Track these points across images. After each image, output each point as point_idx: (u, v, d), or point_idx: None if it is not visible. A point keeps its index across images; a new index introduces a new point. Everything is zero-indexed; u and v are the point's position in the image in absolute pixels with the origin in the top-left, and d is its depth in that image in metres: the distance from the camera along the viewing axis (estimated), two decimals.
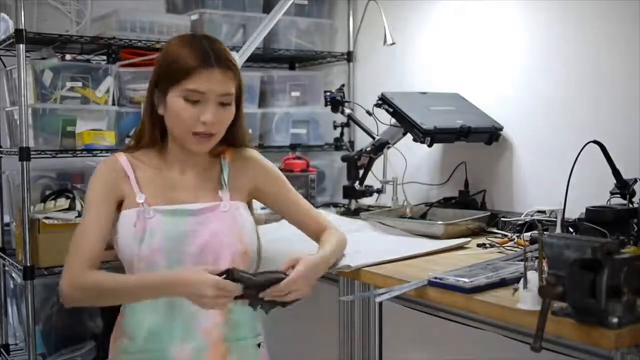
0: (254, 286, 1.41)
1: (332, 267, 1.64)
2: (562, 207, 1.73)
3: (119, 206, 1.54)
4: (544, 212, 1.98)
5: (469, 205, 2.30)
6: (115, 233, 1.52)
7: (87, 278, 1.44)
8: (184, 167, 1.58)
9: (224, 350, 1.51)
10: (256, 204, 1.75)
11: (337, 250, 1.65)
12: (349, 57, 3.03)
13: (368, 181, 2.50)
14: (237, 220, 1.55)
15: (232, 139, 1.61)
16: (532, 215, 2.00)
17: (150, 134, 1.57)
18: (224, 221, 1.53)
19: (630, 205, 1.71)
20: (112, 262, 1.60)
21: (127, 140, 2.45)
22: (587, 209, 1.70)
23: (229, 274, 1.37)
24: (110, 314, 1.57)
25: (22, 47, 2.25)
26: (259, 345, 1.60)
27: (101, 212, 1.50)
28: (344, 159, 2.55)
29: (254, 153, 1.68)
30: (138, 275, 1.46)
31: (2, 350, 2.81)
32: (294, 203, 1.70)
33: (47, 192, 2.46)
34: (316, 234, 1.68)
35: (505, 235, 1.99)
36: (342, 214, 2.46)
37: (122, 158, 1.56)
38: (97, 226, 1.49)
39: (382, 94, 2.31)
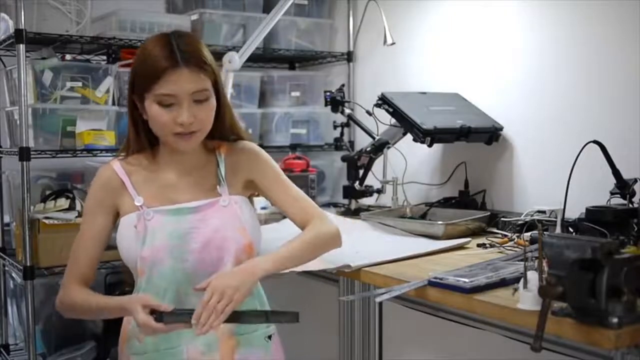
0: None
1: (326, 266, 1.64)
2: (562, 207, 1.73)
3: (118, 215, 1.55)
4: (544, 212, 1.98)
5: (469, 205, 2.30)
6: (117, 237, 1.54)
7: (68, 296, 1.53)
8: (179, 168, 1.57)
9: (233, 344, 1.52)
10: (256, 205, 1.75)
11: (303, 249, 1.55)
12: (349, 57, 3.03)
13: (368, 181, 2.50)
14: (237, 214, 1.54)
15: (222, 132, 1.60)
16: (532, 215, 2.00)
17: (136, 139, 1.56)
18: (225, 216, 1.53)
19: (630, 205, 1.71)
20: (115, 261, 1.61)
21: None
22: (587, 209, 1.70)
23: (157, 316, 1.37)
24: None
25: (22, 47, 2.25)
26: (269, 337, 1.60)
27: (95, 223, 1.54)
28: (344, 159, 2.55)
29: (248, 145, 1.65)
30: (101, 299, 1.51)
31: (2, 350, 2.81)
32: (282, 192, 1.63)
33: (47, 192, 2.46)
34: (302, 224, 1.62)
35: (505, 235, 1.99)
36: (342, 214, 2.46)
37: (116, 165, 1.56)
38: (90, 238, 1.54)
39: (382, 94, 2.32)
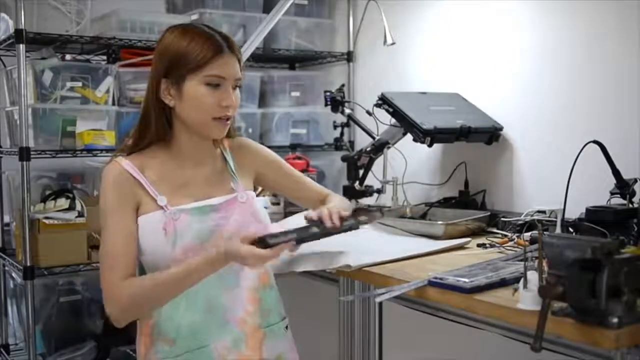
0: (297, 240, 1.46)
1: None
2: (562, 207, 1.73)
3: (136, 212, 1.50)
4: (544, 212, 1.98)
5: (469, 205, 2.30)
6: (141, 238, 1.47)
7: (126, 290, 1.42)
8: (195, 162, 1.56)
9: (260, 337, 1.54)
10: None
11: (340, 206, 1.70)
12: (349, 57, 3.03)
13: (368, 181, 2.50)
14: (255, 209, 1.57)
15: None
16: (532, 215, 2.00)
17: (158, 126, 1.52)
18: (245, 211, 1.55)
19: (630, 205, 1.71)
20: None
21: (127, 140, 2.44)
22: (587, 209, 1.70)
23: (261, 242, 1.39)
24: None
25: (22, 47, 2.26)
26: (286, 327, 1.63)
27: (123, 218, 1.46)
28: (344, 159, 2.55)
29: (245, 140, 1.71)
30: (180, 266, 1.42)
31: (2, 350, 2.81)
32: (294, 181, 1.76)
33: (47, 192, 2.46)
34: (317, 204, 1.72)
35: (505, 235, 1.99)
36: None
37: (125, 163, 1.50)
38: (123, 233, 1.45)
39: (382, 94, 2.32)
